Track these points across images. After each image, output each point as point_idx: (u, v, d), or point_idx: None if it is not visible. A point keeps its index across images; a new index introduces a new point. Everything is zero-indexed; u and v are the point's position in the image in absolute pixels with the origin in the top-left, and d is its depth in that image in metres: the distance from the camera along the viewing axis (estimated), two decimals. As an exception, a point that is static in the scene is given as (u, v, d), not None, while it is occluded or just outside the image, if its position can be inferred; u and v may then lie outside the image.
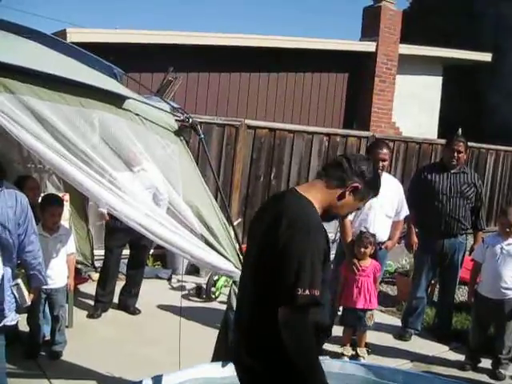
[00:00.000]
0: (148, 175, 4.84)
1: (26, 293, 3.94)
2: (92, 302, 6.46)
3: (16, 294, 3.87)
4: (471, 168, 6.93)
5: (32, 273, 4.02)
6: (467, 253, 6.17)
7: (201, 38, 9.59)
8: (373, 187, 2.74)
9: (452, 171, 6.05)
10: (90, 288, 6.83)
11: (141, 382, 3.70)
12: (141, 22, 46.35)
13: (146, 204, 3.96)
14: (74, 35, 8.32)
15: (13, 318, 3.95)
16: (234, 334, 2.94)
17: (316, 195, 2.63)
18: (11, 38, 4.15)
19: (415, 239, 6.24)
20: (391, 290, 8.09)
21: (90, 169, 3.60)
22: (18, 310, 4.69)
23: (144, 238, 5.91)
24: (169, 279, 7.87)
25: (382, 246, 5.76)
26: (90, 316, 6.26)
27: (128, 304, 6.45)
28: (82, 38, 8.01)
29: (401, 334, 6.23)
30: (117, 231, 6.11)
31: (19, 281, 3.88)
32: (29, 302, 4.02)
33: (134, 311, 6.42)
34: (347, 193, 2.65)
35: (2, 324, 3.86)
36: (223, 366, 3.88)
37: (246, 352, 2.64)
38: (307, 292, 2.35)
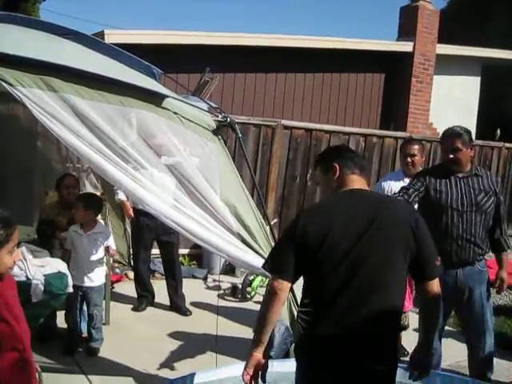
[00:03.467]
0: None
1: None
2: (128, 301, 6.56)
3: None
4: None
5: None
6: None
7: (237, 38, 9.63)
8: None
9: (460, 175, 4.36)
10: (126, 286, 6.93)
11: (177, 379, 3.72)
12: (177, 24, 46.75)
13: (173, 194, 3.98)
14: (112, 36, 8.43)
15: None
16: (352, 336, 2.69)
17: None
18: (53, 39, 4.22)
19: None
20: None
21: (129, 165, 3.65)
22: (57, 307, 4.81)
23: (170, 235, 6.02)
24: (204, 279, 7.89)
25: None
26: (134, 309, 6.39)
27: (179, 305, 6.45)
28: (120, 39, 8.09)
29: None
30: (142, 229, 6.22)
31: None
32: None
33: (186, 312, 6.40)
34: None
35: None
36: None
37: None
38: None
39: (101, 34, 8.29)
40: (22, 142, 6.55)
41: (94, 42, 4.62)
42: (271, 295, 2.67)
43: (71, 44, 4.33)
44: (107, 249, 5.08)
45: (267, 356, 4.02)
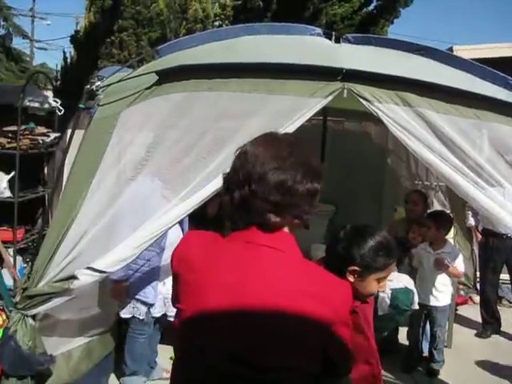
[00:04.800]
0: None
1: None
2: (472, 325, 6.36)
3: None
4: None
5: None
6: None
7: None
8: None
9: None
10: (470, 310, 6.70)
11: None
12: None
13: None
14: (461, 52, 8.31)
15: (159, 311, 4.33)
16: None
17: None
18: (404, 55, 4.24)
19: None
20: None
21: (485, 182, 3.45)
22: (400, 323, 4.82)
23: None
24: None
25: None
26: (478, 335, 6.18)
27: None
28: (469, 55, 7.87)
29: None
30: (491, 250, 5.98)
31: None
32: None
33: None
34: None
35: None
36: None
37: None
38: None
39: (450, 50, 8.19)
40: (373, 158, 6.81)
41: (445, 56, 4.52)
42: None
43: (421, 59, 4.31)
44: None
45: None
